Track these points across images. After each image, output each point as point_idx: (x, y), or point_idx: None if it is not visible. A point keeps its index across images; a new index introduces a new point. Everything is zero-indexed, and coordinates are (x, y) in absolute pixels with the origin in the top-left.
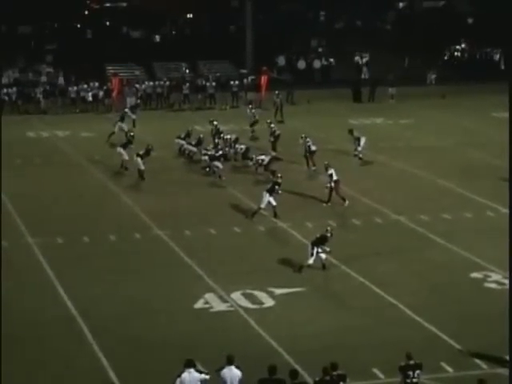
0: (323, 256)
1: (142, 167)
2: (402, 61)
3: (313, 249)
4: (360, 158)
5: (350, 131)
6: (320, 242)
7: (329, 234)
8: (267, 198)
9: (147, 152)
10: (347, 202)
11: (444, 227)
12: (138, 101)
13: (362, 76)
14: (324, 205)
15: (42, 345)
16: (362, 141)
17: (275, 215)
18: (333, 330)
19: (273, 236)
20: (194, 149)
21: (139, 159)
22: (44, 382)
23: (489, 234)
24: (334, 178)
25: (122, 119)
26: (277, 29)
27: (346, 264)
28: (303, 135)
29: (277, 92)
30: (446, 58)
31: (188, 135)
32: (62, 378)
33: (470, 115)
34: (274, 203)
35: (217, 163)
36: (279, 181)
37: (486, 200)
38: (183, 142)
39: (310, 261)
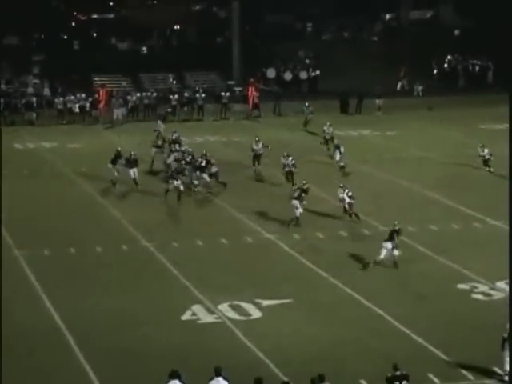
0: (396, 253)
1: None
2: (389, 72)
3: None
4: (342, 167)
5: (330, 139)
6: (391, 237)
7: (397, 228)
8: (298, 205)
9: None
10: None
11: (431, 238)
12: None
13: None
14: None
15: (29, 357)
16: (342, 149)
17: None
18: (320, 341)
19: (260, 247)
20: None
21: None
22: None
23: (476, 245)
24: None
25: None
26: (264, 40)
27: (333, 275)
28: (285, 153)
29: (307, 104)
30: (434, 70)
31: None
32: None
33: (457, 127)
34: (300, 211)
35: (204, 175)
36: (305, 187)
37: (473, 211)
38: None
39: (381, 256)
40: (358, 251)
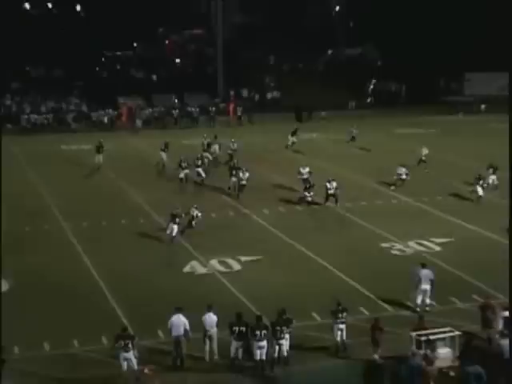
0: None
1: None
2: (331, 93)
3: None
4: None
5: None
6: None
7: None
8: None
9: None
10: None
11: (362, 211)
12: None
13: None
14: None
15: (71, 300)
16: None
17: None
18: (284, 286)
19: (239, 219)
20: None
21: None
22: (73, 327)
23: (393, 216)
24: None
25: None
26: (240, 69)
27: (291, 238)
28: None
29: (355, 126)
30: (368, 91)
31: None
32: (88, 324)
33: (380, 131)
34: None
35: (199, 170)
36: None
37: (393, 192)
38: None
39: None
40: (310, 221)
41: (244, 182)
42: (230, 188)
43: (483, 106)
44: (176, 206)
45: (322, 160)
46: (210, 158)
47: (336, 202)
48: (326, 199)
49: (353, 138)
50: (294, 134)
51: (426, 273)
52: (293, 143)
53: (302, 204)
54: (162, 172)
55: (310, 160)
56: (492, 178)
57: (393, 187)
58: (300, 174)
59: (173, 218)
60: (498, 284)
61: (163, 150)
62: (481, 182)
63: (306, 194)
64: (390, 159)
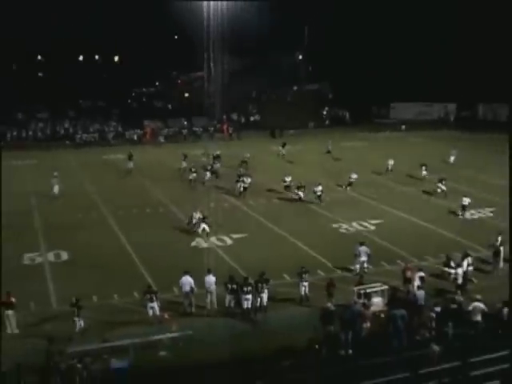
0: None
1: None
2: (297, 117)
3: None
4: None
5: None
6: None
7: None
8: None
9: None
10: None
11: (316, 202)
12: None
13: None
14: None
15: (104, 265)
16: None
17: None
18: (263, 255)
19: (232, 208)
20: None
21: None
22: (113, 285)
23: (342, 205)
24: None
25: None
26: (231, 99)
27: (271, 223)
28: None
29: (330, 142)
30: (324, 116)
31: (186, 157)
32: (123, 283)
33: (332, 144)
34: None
35: (207, 173)
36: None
37: (340, 187)
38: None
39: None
40: (284, 210)
41: (246, 186)
42: (236, 190)
43: (403, 127)
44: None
45: (291, 165)
46: (219, 166)
47: (320, 201)
48: (319, 199)
49: (328, 151)
50: (283, 146)
51: (363, 248)
52: (283, 154)
53: (295, 201)
54: (182, 175)
55: (283, 164)
56: (424, 174)
57: (346, 187)
58: (284, 181)
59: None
60: (414, 252)
61: (184, 160)
62: (443, 181)
63: (299, 192)
64: (339, 165)
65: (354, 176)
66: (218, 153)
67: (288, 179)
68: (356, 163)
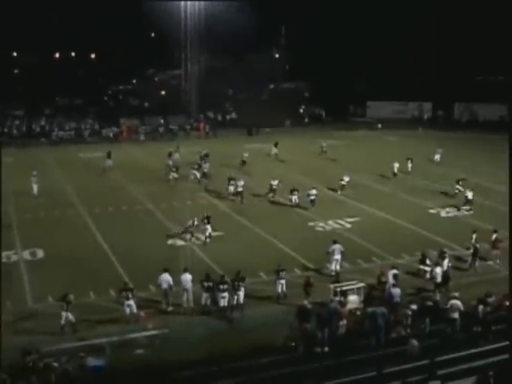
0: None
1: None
2: (274, 115)
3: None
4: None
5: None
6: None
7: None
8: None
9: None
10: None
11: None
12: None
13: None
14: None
15: (82, 263)
16: (207, 164)
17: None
18: (240, 253)
19: (209, 206)
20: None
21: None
22: (89, 283)
23: (320, 204)
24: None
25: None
26: (208, 98)
27: (248, 221)
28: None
29: (324, 142)
30: (303, 114)
31: (170, 154)
32: (99, 282)
33: (307, 142)
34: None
35: (195, 172)
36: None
37: (313, 183)
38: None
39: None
40: (262, 210)
41: (241, 189)
42: (230, 194)
43: (380, 125)
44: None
45: (268, 162)
46: (207, 167)
47: (313, 205)
48: (313, 203)
49: (323, 151)
50: (276, 145)
51: (337, 246)
52: (275, 154)
53: (289, 204)
54: (167, 173)
55: (260, 162)
56: (409, 166)
57: (338, 190)
58: (271, 185)
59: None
60: (390, 250)
61: (169, 157)
62: (460, 182)
63: (292, 197)
64: (318, 162)
65: (346, 179)
66: (206, 152)
67: (275, 182)
68: (337, 162)
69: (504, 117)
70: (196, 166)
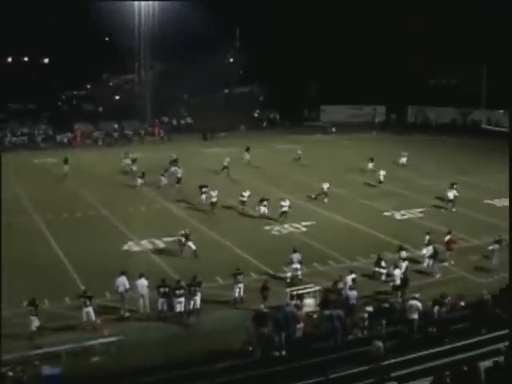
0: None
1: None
2: (228, 120)
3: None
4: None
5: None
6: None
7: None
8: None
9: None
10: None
11: (253, 206)
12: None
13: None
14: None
15: (38, 272)
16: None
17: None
18: (195, 261)
19: (164, 211)
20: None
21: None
22: (45, 291)
23: (274, 209)
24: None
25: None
26: (162, 102)
27: (205, 226)
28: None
29: (299, 150)
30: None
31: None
32: (55, 289)
33: (265, 146)
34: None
35: (162, 178)
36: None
37: (281, 192)
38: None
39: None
40: (219, 213)
41: (215, 200)
42: (199, 203)
43: (333, 129)
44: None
45: (220, 165)
46: (180, 172)
47: (284, 216)
48: (284, 215)
49: (298, 158)
50: (247, 150)
51: (296, 255)
52: (248, 160)
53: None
54: (132, 179)
55: (216, 167)
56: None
57: (315, 198)
58: (242, 196)
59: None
60: (346, 252)
61: (132, 163)
62: (454, 186)
63: (261, 208)
64: (282, 169)
65: (326, 186)
66: (175, 157)
67: (246, 194)
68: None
69: (457, 119)
70: (163, 172)
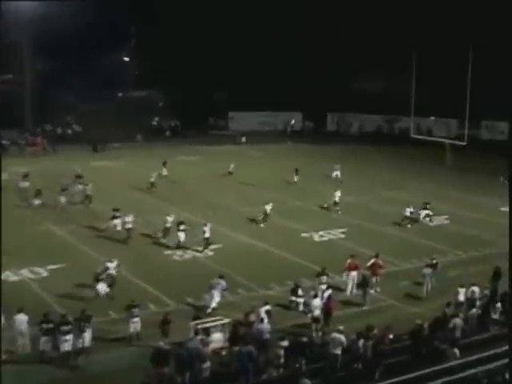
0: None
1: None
2: (123, 131)
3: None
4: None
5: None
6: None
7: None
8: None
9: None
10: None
11: (155, 229)
12: None
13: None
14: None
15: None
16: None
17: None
18: (81, 287)
19: (47, 235)
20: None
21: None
22: None
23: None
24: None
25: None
26: (45, 108)
27: (96, 252)
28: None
29: (231, 164)
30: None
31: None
32: None
33: (168, 159)
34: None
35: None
36: None
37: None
38: None
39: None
40: (114, 236)
41: (130, 226)
42: (109, 228)
43: (244, 138)
44: None
45: (116, 180)
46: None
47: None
48: (205, 247)
49: (230, 173)
50: (164, 164)
51: (215, 281)
52: (165, 175)
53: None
54: (24, 198)
55: (106, 182)
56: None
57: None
58: (166, 222)
59: None
60: (258, 280)
61: (23, 178)
62: (428, 205)
63: (180, 234)
64: (190, 184)
65: (269, 207)
66: (79, 172)
67: (170, 219)
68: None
69: (382, 127)
70: (63, 188)
